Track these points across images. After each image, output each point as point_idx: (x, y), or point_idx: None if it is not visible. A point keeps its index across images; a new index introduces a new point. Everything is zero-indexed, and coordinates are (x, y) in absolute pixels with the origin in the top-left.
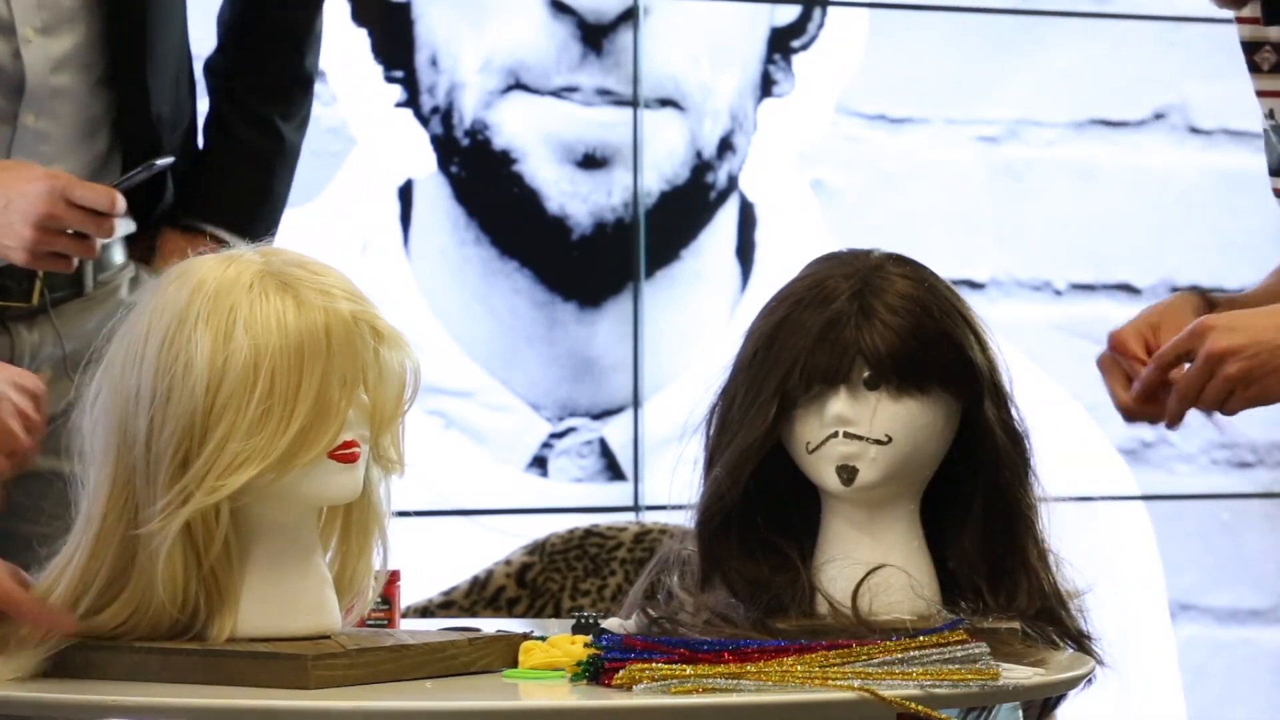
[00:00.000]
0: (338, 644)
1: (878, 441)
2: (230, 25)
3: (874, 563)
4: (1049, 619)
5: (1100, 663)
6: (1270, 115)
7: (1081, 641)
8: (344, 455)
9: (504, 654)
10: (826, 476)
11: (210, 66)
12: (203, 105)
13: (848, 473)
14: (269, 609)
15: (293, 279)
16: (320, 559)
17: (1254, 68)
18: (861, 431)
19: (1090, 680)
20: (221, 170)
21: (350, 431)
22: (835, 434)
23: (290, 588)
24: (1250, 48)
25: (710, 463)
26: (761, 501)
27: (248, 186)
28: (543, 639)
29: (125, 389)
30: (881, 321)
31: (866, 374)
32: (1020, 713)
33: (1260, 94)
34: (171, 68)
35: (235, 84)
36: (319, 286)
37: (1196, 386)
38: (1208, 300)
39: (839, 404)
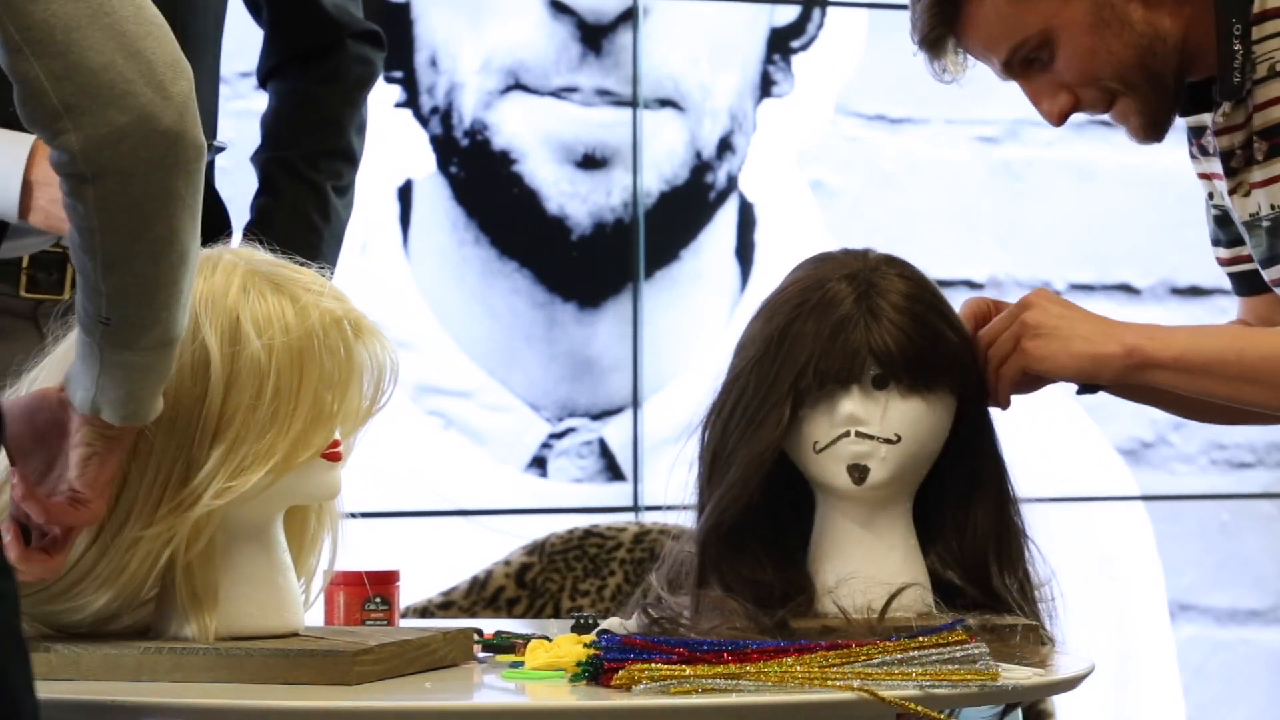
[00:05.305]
0: (353, 641)
1: (888, 440)
2: (273, 116)
3: (877, 562)
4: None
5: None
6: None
7: (1040, 636)
8: (333, 454)
9: (464, 648)
10: (835, 476)
11: (255, 158)
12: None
13: (859, 472)
14: (247, 608)
15: (282, 279)
16: (288, 557)
17: (1192, 155)
18: (873, 431)
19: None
20: (269, 225)
21: (337, 430)
22: (847, 433)
23: (265, 586)
24: (1195, 132)
25: (713, 466)
26: (760, 503)
27: (295, 244)
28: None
29: None
30: (890, 321)
31: (875, 373)
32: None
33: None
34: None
35: (283, 154)
36: (305, 285)
37: (997, 328)
38: None
39: (851, 403)
